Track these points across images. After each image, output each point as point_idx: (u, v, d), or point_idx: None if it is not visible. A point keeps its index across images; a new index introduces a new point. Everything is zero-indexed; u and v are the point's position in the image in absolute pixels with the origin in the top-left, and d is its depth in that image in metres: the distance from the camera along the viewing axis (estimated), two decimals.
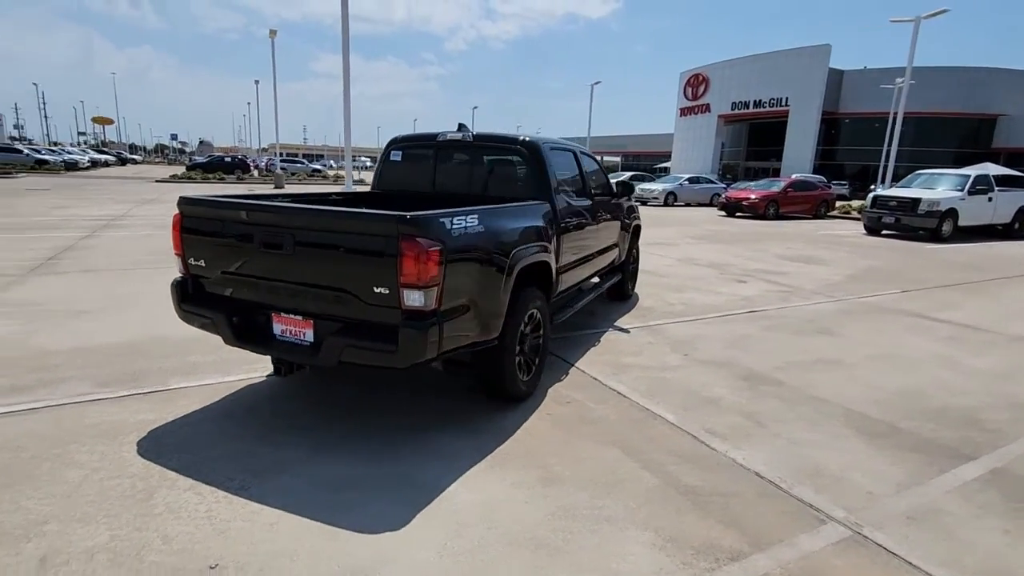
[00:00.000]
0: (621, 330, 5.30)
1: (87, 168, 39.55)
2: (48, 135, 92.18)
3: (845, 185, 34.21)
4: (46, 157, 35.83)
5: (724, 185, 25.50)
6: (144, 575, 1.99)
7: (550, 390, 3.81)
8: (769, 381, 4.11)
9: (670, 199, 23.43)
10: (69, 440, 2.92)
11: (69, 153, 40.91)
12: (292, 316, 2.89)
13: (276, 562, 2.09)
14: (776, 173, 35.17)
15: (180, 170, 38.16)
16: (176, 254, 3.17)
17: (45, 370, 3.86)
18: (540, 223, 3.73)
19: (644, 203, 24.00)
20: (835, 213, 20.61)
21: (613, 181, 5.84)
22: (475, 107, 48.01)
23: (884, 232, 14.89)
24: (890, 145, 20.73)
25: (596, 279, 5.72)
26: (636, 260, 6.69)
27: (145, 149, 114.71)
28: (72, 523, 2.27)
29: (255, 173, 38.49)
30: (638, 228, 6.57)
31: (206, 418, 3.24)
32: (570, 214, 4.29)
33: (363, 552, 2.16)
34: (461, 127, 4.34)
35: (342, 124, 12.72)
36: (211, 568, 2.05)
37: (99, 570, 2.01)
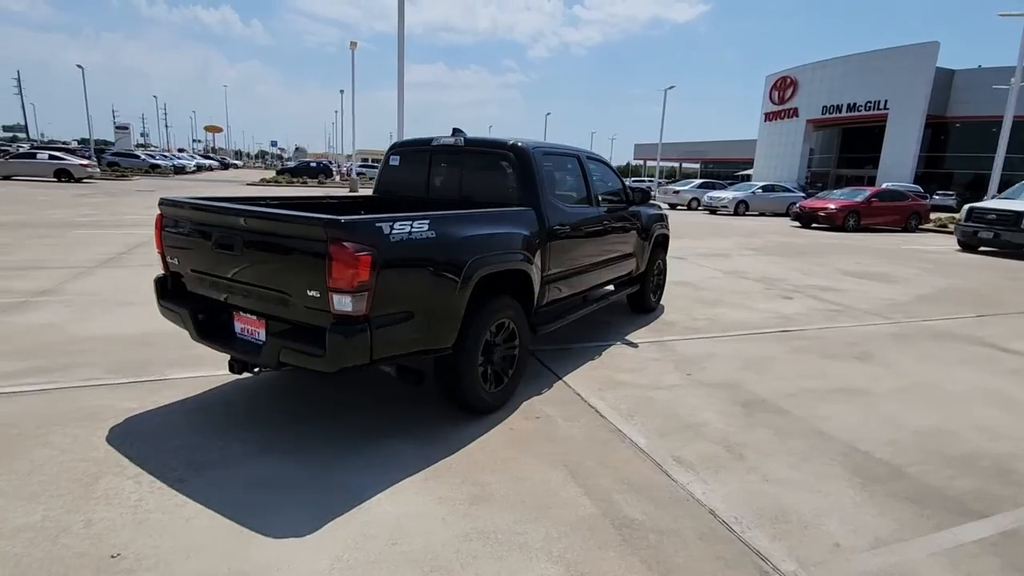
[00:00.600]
0: (629, 344, 5.04)
1: (193, 172, 43.50)
2: (168, 142, 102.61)
3: (951, 196, 31.03)
4: (158, 162, 39.77)
5: (803, 194, 23.83)
6: (50, 557, 2.10)
7: (525, 403, 3.67)
8: (770, 408, 3.74)
9: (740, 208, 22.22)
10: (55, 422, 3.15)
11: (178, 159, 45.11)
12: (249, 316, 2.97)
13: (172, 557, 2.13)
14: (871, 182, 32.50)
15: (272, 174, 41.04)
16: (158, 252, 3.36)
17: (70, 355, 4.21)
18: (519, 230, 3.61)
19: (713, 212, 22.95)
20: (929, 226, 18.68)
21: (631, 188, 5.59)
22: (548, 113, 48.02)
23: (981, 249, 13.30)
24: (996, 152, 18.53)
25: (611, 288, 5.51)
26: (662, 271, 6.37)
27: (248, 155, 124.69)
28: (17, 500, 2.44)
29: (336, 177, 40.64)
30: (663, 238, 6.26)
31: (181, 410, 3.39)
32: (565, 221, 4.13)
33: (260, 555, 2.16)
34: (456, 132, 4.31)
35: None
36: (111, 557, 2.12)
37: (15, 548, 2.14)
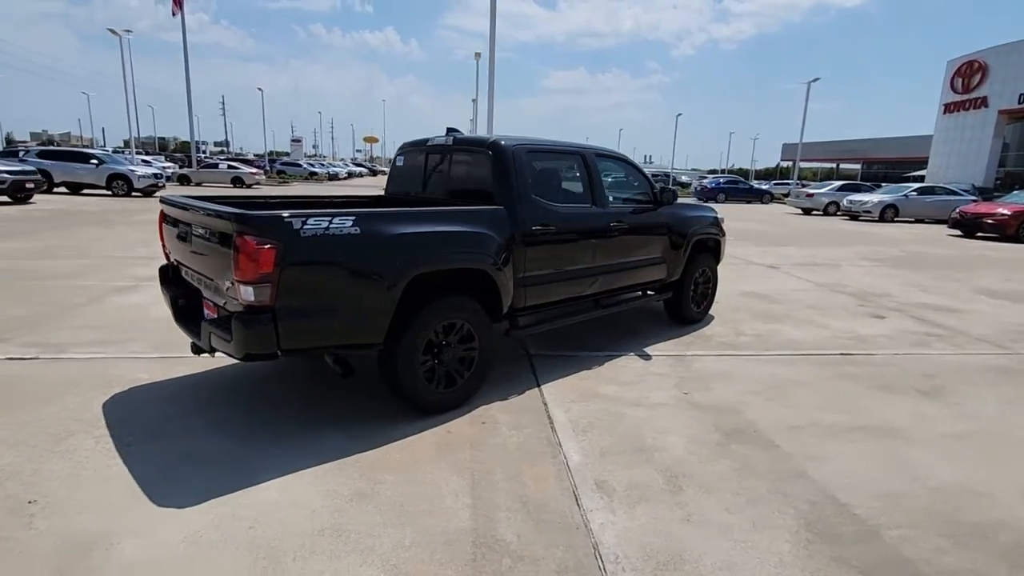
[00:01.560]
0: (643, 356, 4.65)
1: (344, 178, 48.40)
2: (333, 152, 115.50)
3: None
4: (316, 170, 44.92)
5: (973, 197, 19.99)
6: None
7: (483, 407, 3.57)
8: (755, 440, 3.23)
9: (888, 214, 19.24)
10: (79, 385, 3.72)
11: (333, 167, 50.50)
12: (208, 303, 3.25)
13: (71, 509, 2.40)
14: None
15: None
16: (161, 242, 3.81)
17: (131, 331, 4.93)
18: (479, 229, 3.52)
19: (854, 218, 20.24)
20: None
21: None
22: (679, 114, 45.67)
23: None
24: None
25: (635, 294, 5.13)
26: (709, 280, 5.77)
27: None
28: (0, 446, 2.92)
29: None
30: (706, 243, 5.66)
31: (178, 385, 3.80)
32: (550, 222, 3.94)
33: (133, 519, 2.35)
34: (449, 131, 4.31)
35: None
36: (29, 502, 2.46)
37: None
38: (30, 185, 15.50)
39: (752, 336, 5.34)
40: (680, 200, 5.63)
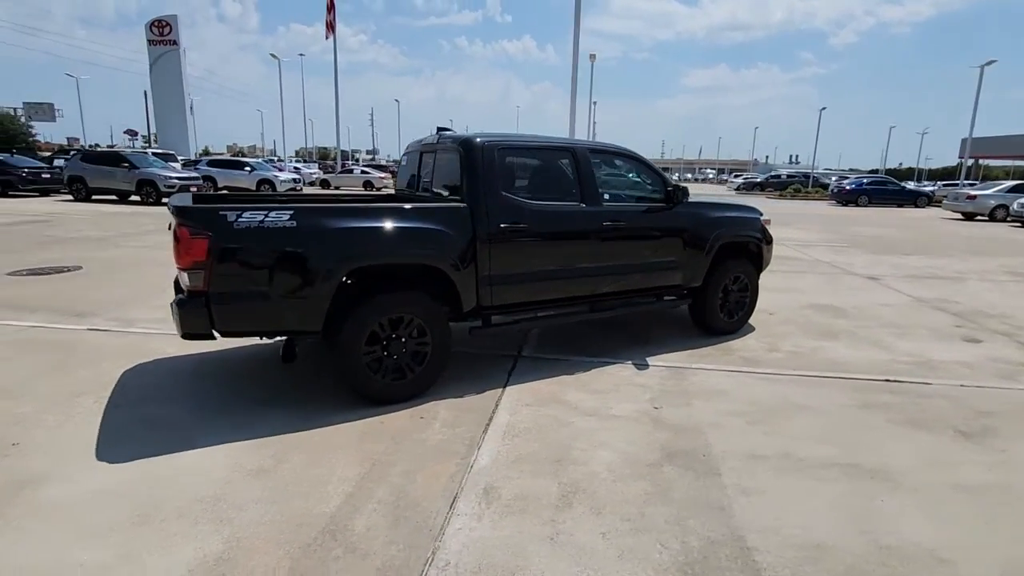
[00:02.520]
0: (640, 364, 4.34)
1: None
2: None
3: None
4: None
5: None
6: None
7: (433, 402, 3.58)
8: (695, 467, 2.87)
9: None
10: (119, 354, 4.36)
11: None
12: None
13: (34, 454, 2.86)
14: None
15: None
16: None
17: None
18: (432, 225, 3.54)
19: None
20: None
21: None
22: (823, 108, 41.10)
23: None
24: None
25: (651, 298, 4.79)
26: (746, 288, 5.17)
27: None
28: (24, 399, 3.52)
29: None
30: (740, 247, 5.10)
31: (195, 360, 4.27)
32: (522, 221, 3.83)
33: (72, 469, 2.73)
34: (439, 130, 4.37)
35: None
36: (12, 445, 2.97)
37: None
38: (193, 188, 18.34)
39: (787, 353, 4.71)
40: (722, 200, 5.16)
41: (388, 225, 3.42)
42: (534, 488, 2.65)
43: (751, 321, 5.53)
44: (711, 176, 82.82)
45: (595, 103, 45.77)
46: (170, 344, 4.54)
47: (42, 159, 24.57)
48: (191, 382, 3.89)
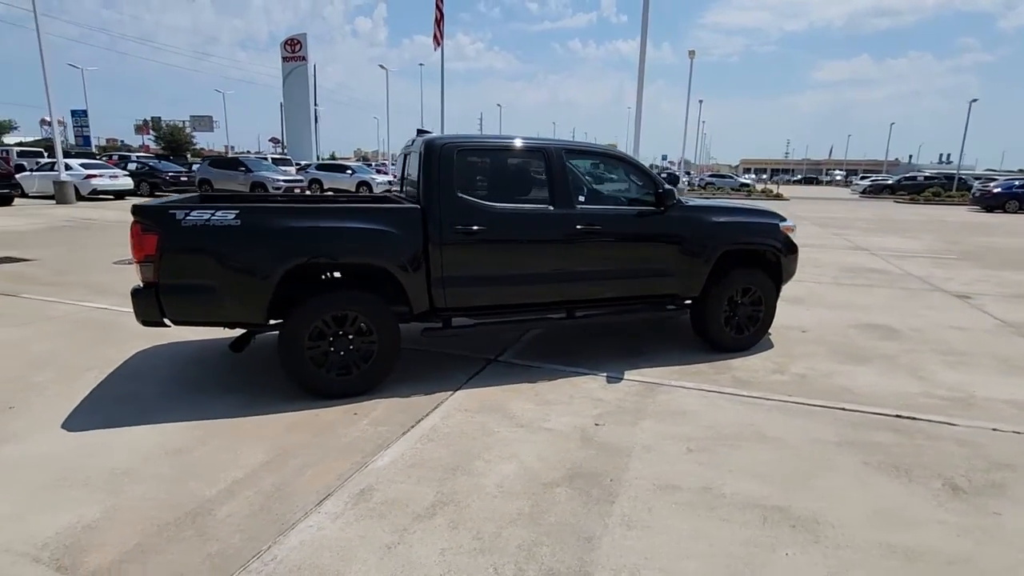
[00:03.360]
0: (614, 378, 4.08)
1: None
2: None
3: None
4: None
5: None
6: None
7: (376, 400, 3.62)
8: (590, 491, 2.64)
9: None
10: (144, 336, 4.86)
11: None
12: None
13: (19, 416, 3.30)
14: None
15: None
16: None
17: None
18: (379, 226, 3.59)
19: None
20: None
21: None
22: (973, 100, 35.55)
23: None
24: None
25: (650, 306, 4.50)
26: (759, 301, 4.65)
27: None
28: (42, 367, 4.08)
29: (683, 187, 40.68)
30: (751, 256, 4.60)
31: (199, 347, 4.70)
32: (479, 222, 3.76)
33: (38, 431, 3.12)
34: (419, 132, 4.42)
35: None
36: (9, 408, 3.45)
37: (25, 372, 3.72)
38: (297, 190, 20.12)
39: (792, 376, 4.18)
40: (733, 203, 4.72)
41: (330, 225, 3.53)
42: (410, 495, 2.60)
43: (772, 338, 4.99)
44: (839, 178, 75.16)
45: (701, 101, 43.68)
46: (192, 331, 5.01)
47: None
48: (185, 365, 4.28)
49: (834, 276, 8.16)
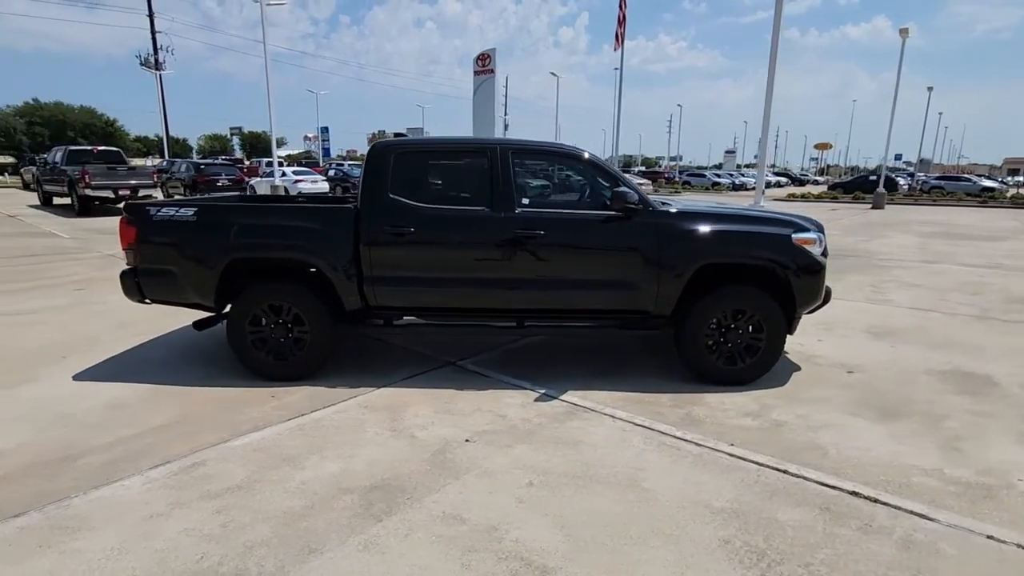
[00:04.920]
0: (547, 397, 3.75)
1: (754, 189, 45.93)
2: (780, 161, 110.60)
3: None
4: (720, 180, 44.40)
5: None
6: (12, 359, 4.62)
7: (301, 386, 3.83)
8: (375, 513, 2.50)
9: None
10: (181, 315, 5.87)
11: (742, 177, 48.60)
12: None
13: (65, 366, 4.25)
14: None
15: (818, 190, 38.64)
16: None
17: None
18: (311, 225, 3.84)
19: None
20: None
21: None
22: None
23: None
24: None
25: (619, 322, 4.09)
26: (761, 328, 3.82)
27: (855, 170, 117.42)
28: (107, 330, 5.15)
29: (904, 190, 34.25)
30: (747, 272, 3.79)
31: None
32: (408, 224, 3.77)
33: (59, 379, 3.99)
34: (396, 136, 4.53)
35: None
36: (63, 357, 4.45)
37: (103, 332, 4.80)
38: None
39: (765, 423, 3.38)
40: (736, 209, 4.01)
41: (268, 222, 3.87)
42: (224, 475, 2.76)
43: (798, 375, 4.13)
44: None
45: (930, 89, 36.35)
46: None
47: None
48: (204, 342, 5.01)
49: (983, 308, 6.25)
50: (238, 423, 3.34)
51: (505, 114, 72.31)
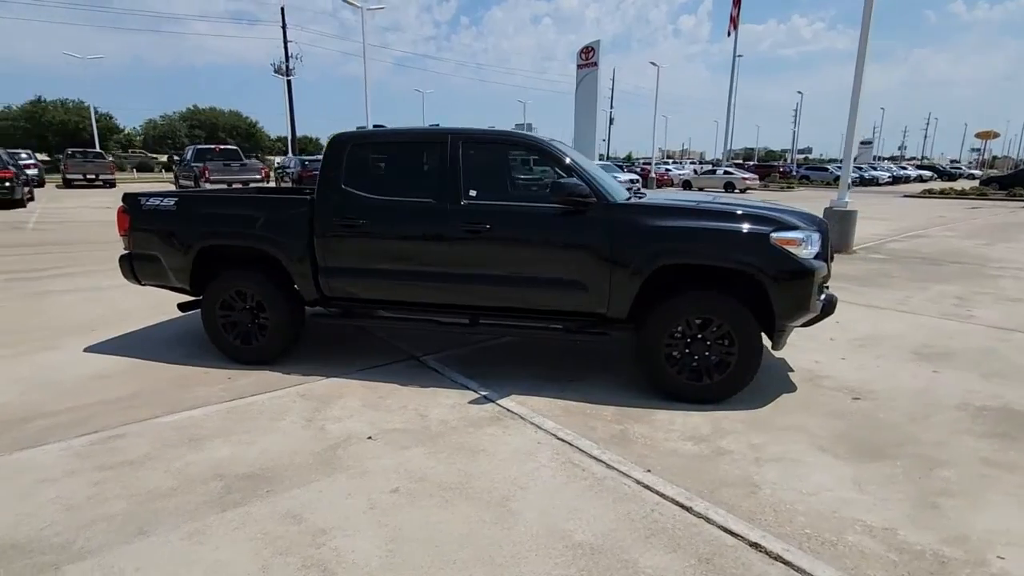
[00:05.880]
0: (483, 399, 3.57)
1: (886, 183, 40.91)
2: (928, 152, 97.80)
3: None
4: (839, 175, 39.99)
5: None
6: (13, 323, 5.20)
7: (255, 371, 3.96)
8: (225, 503, 2.50)
9: None
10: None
11: (873, 170, 43.37)
12: None
13: (95, 335, 4.79)
14: None
15: (969, 185, 33.42)
16: None
17: None
18: (271, 215, 3.94)
19: None
20: None
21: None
22: None
23: None
24: None
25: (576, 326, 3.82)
26: (731, 341, 3.33)
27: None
28: (140, 308, 5.70)
29: None
30: (718, 275, 3.30)
31: None
32: (359, 215, 3.76)
33: (78, 348, 4.50)
34: (375, 127, 4.52)
35: None
36: (92, 331, 5.01)
37: (135, 309, 5.38)
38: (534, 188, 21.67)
39: (705, 450, 2.93)
40: (709, 202, 3.55)
41: (233, 213, 4.04)
42: (129, 450, 2.91)
43: (787, 398, 3.57)
44: None
45: None
46: None
47: None
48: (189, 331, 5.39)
49: None
50: (182, 400, 3.53)
51: (611, 107, 70.65)
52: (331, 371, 4.00)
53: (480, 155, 3.80)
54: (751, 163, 52.14)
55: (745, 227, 3.34)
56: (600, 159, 47.30)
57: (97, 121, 43.98)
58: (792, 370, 4.07)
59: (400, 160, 4.04)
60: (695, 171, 35.62)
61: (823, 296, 3.51)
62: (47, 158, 43.28)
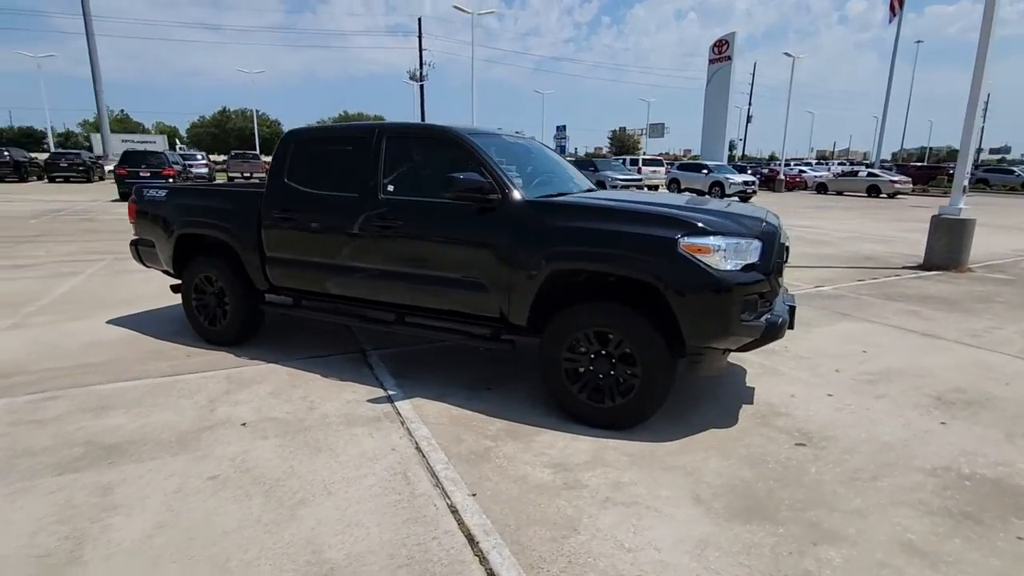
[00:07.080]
0: (382, 399, 3.49)
1: None
2: None
3: None
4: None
5: None
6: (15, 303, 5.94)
7: (210, 351, 4.25)
8: (79, 466, 2.68)
9: None
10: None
11: None
12: None
13: (114, 311, 5.50)
14: None
15: None
16: None
17: None
18: (229, 206, 4.20)
19: None
20: None
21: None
22: None
23: None
24: None
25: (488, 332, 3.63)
26: (635, 362, 2.89)
27: None
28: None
29: None
30: (619, 286, 2.87)
31: None
32: (293, 207, 3.89)
33: (100, 321, 5.19)
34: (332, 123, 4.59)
35: None
36: (127, 303, 5.74)
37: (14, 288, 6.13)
38: (631, 187, 20.83)
39: (561, 484, 2.57)
40: (633, 199, 3.15)
41: (201, 203, 4.35)
42: (37, 407, 3.27)
43: (724, 430, 3.05)
44: None
45: None
46: None
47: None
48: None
49: None
50: (130, 371, 3.89)
51: (749, 104, 65.68)
52: (277, 357, 4.17)
53: (404, 150, 3.70)
54: (915, 164, 45.25)
55: (651, 231, 2.87)
56: (730, 160, 44.18)
57: (266, 127, 50.73)
58: (751, 403, 3.44)
59: (336, 155, 4.07)
60: (834, 173, 31.75)
61: (763, 317, 2.90)
62: (225, 158, 51.26)
